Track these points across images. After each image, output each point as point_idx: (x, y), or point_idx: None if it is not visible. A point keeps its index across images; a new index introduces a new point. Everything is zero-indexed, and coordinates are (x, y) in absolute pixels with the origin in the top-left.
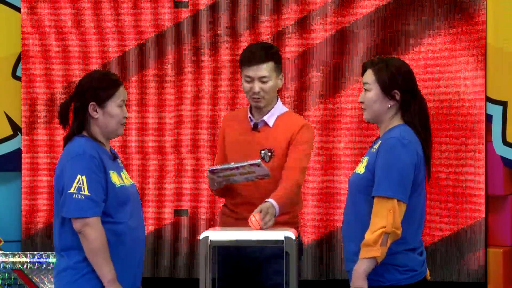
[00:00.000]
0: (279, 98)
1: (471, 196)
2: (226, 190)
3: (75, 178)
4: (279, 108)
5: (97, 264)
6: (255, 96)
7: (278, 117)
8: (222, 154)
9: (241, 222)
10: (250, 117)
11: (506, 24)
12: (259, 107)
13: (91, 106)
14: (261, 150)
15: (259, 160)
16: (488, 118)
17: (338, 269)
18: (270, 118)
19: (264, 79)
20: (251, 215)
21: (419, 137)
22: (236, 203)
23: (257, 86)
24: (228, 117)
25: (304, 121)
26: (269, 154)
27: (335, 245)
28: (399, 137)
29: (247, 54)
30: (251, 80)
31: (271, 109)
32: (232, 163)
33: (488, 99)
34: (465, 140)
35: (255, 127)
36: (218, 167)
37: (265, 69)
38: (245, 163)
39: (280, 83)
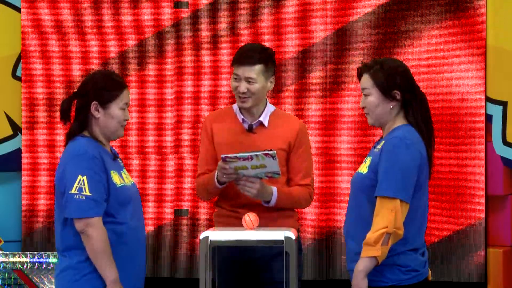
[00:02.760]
0: (267, 99)
1: (471, 196)
2: (221, 191)
3: (76, 179)
4: (270, 107)
5: (99, 265)
6: (241, 95)
7: (270, 116)
8: (209, 155)
9: (239, 222)
10: (243, 119)
11: (506, 23)
12: (244, 107)
13: (93, 106)
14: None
15: (274, 151)
16: (488, 118)
17: (338, 269)
18: (265, 119)
19: (251, 80)
20: (246, 214)
21: (422, 137)
22: (234, 204)
23: (243, 86)
24: (213, 117)
25: (298, 123)
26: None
27: (335, 245)
28: (402, 137)
29: (239, 53)
30: (238, 79)
31: (263, 110)
32: (246, 152)
33: (488, 99)
34: (465, 140)
35: (250, 129)
36: (231, 155)
37: (253, 70)
38: (259, 152)
39: (270, 85)
